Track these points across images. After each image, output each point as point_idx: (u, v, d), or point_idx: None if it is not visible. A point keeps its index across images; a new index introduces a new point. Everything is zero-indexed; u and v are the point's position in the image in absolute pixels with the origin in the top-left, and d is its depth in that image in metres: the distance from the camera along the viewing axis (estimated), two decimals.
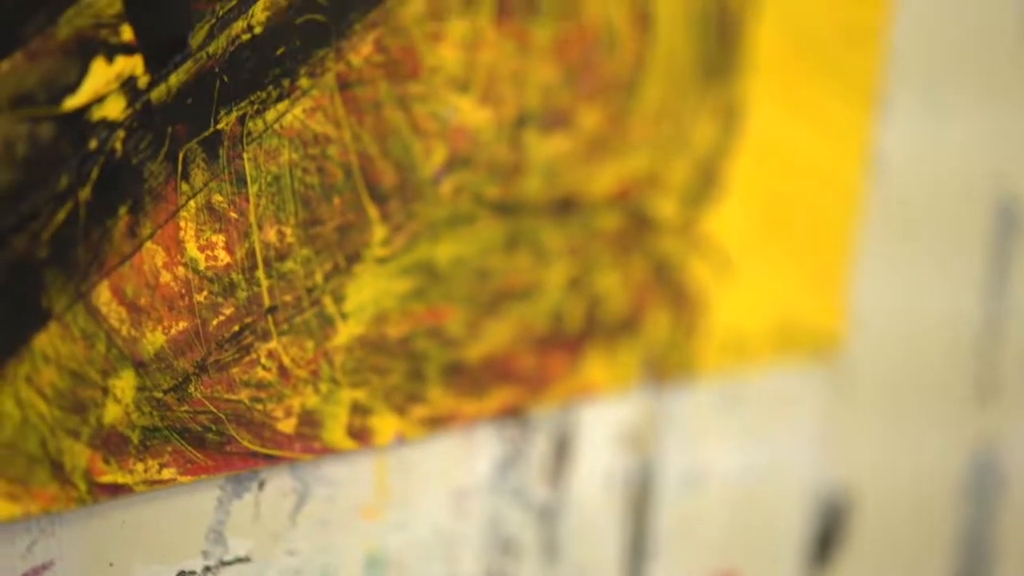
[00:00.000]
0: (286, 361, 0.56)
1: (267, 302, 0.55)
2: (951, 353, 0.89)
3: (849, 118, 0.80)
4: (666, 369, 0.73)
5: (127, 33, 0.48)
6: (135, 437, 0.52)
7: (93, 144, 0.48)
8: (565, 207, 0.66)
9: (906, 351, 0.86)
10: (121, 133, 0.49)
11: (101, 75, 0.48)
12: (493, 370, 0.65)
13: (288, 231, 0.55)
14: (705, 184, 0.72)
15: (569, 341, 0.68)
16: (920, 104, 0.84)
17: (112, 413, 0.51)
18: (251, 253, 0.54)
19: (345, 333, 0.58)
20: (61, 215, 0.48)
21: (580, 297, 0.68)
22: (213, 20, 0.51)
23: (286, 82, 0.54)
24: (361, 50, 0.56)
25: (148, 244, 0.51)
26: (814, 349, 0.80)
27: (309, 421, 0.57)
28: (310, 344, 0.57)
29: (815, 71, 0.77)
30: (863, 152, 0.81)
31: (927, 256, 0.86)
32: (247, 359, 0.55)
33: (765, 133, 0.75)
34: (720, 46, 0.72)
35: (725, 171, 0.73)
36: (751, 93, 0.74)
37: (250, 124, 0.53)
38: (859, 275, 0.82)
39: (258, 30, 0.52)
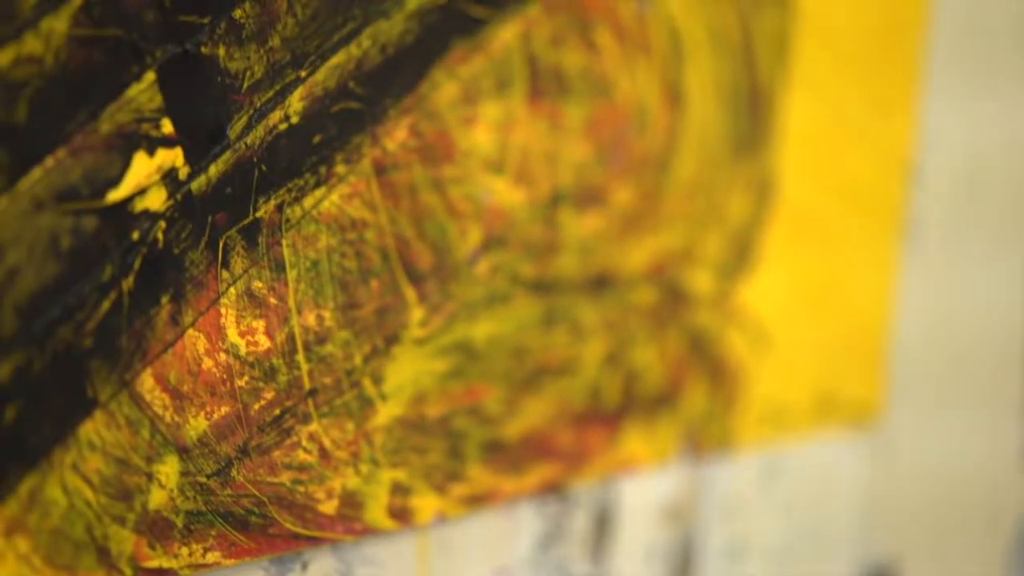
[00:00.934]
0: (327, 443, 0.57)
1: (307, 385, 0.56)
2: (993, 421, 0.89)
3: (882, 186, 0.80)
4: (705, 442, 0.73)
5: (168, 126, 0.49)
6: (179, 522, 0.52)
7: (135, 235, 0.49)
8: (600, 283, 0.67)
9: (946, 418, 0.86)
10: (163, 223, 0.50)
11: (143, 168, 0.49)
12: (532, 447, 0.65)
13: (327, 315, 0.56)
14: (740, 256, 0.73)
15: (607, 416, 0.68)
16: (953, 166, 0.84)
17: (157, 498, 0.52)
18: (291, 337, 0.55)
19: (384, 414, 0.59)
20: (105, 305, 0.49)
21: (617, 372, 0.68)
22: (251, 111, 0.52)
23: (323, 169, 0.55)
24: (396, 135, 0.57)
25: (190, 331, 0.51)
26: (853, 418, 0.80)
27: (350, 502, 0.58)
28: (350, 426, 0.57)
29: (847, 141, 0.78)
30: (898, 220, 0.81)
31: (965, 326, 0.87)
32: (288, 442, 0.55)
33: (799, 204, 0.75)
34: (752, 119, 0.72)
35: (759, 243, 0.74)
36: (784, 165, 0.74)
37: (288, 211, 0.54)
38: (896, 342, 0.83)
39: (295, 119, 0.54)
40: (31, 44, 0.45)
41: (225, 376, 0.53)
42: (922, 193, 0.82)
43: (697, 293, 0.71)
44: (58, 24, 0.46)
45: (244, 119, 0.52)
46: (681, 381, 0.71)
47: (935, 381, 0.85)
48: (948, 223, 0.84)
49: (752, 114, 0.72)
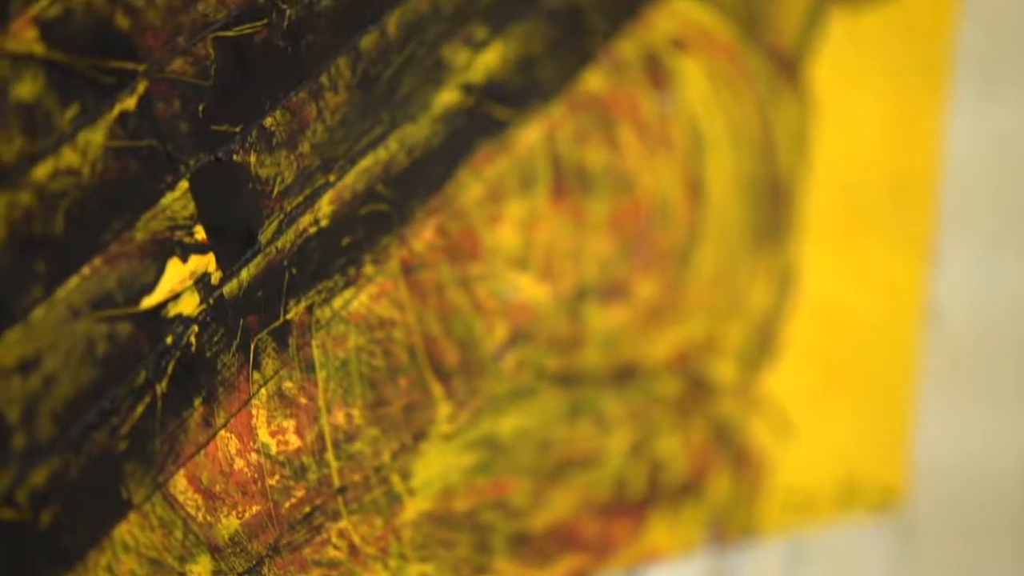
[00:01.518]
0: (356, 539, 0.57)
1: (337, 483, 0.56)
2: (1017, 502, 0.89)
3: (902, 273, 0.81)
4: (730, 530, 0.73)
5: (200, 233, 0.51)
6: None
7: (169, 339, 0.50)
8: (625, 375, 0.67)
9: (970, 502, 0.86)
10: (195, 328, 0.51)
11: (176, 274, 0.50)
12: (558, 538, 0.66)
13: (356, 413, 0.57)
14: (762, 346, 0.74)
15: (633, 506, 0.69)
16: (974, 253, 0.85)
17: None
18: (320, 436, 0.56)
19: (413, 509, 0.59)
20: (139, 409, 0.50)
21: (642, 463, 0.69)
22: (282, 216, 0.53)
23: (352, 270, 0.56)
24: (423, 235, 0.58)
25: (222, 433, 0.52)
26: (877, 504, 0.81)
27: None
28: (379, 522, 0.58)
29: (867, 229, 0.79)
30: (918, 306, 0.82)
31: (987, 406, 0.87)
32: (318, 539, 0.56)
33: (820, 292, 0.76)
34: (772, 210, 0.73)
35: (781, 332, 0.74)
36: (804, 254, 0.75)
37: (318, 312, 0.55)
38: (919, 428, 0.83)
39: (324, 223, 0.55)
40: (69, 157, 0.47)
41: (256, 475, 0.54)
42: (943, 277, 0.83)
43: (720, 382, 0.72)
44: (95, 136, 0.47)
45: (275, 223, 0.53)
46: (705, 470, 0.72)
47: (958, 467, 0.85)
48: (969, 307, 0.85)
49: (773, 206, 0.73)
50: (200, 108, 0.50)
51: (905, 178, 0.80)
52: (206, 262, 0.51)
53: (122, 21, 0.47)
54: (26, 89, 0.45)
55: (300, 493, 0.55)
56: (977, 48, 0.83)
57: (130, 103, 0.48)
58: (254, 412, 0.53)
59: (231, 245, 0.52)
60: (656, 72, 0.67)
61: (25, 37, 0.45)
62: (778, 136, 0.73)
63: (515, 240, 0.62)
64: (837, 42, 0.75)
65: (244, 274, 0.52)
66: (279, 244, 0.53)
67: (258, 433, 0.54)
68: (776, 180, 0.73)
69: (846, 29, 0.76)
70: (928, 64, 0.80)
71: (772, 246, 0.73)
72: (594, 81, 0.64)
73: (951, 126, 0.82)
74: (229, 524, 0.53)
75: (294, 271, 0.54)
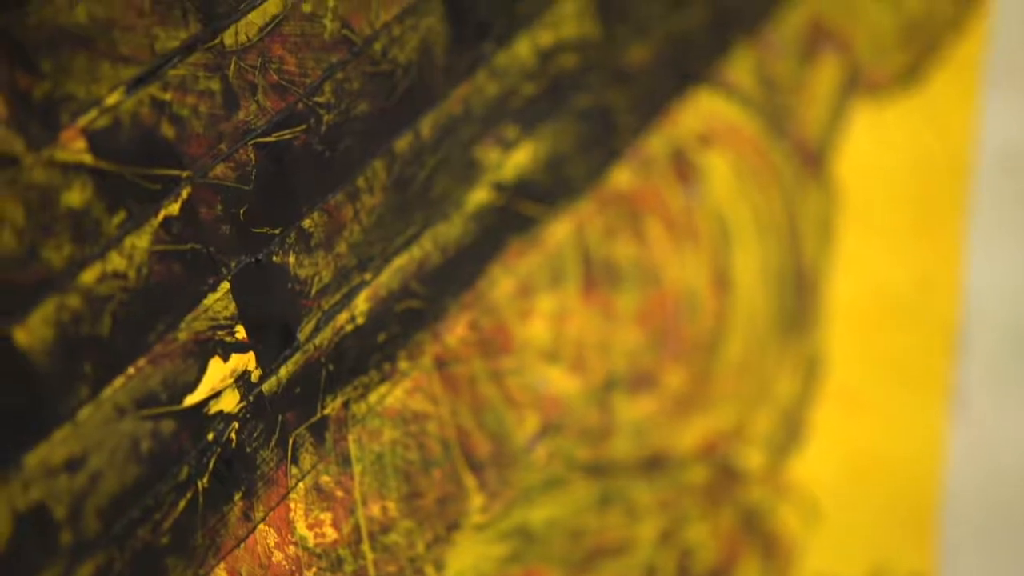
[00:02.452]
0: None
1: (372, 574, 0.58)
2: None
3: (928, 360, 0.82)
4: None
5: (241, 332, 0.52)
6: None
7: (210, 436, 0.52)
8: (654, 464, 0.69)
9: None
10: (236, 424, 0.52)
11: (217, 372, 0.52)
12: None
13: (391, 505, 0.58)
14: (790, 432, 0.75)
15: None
16: (999, 342, 0.86)
17: None
18: (356, 528, 0.57)
19: None
20: (181, 504, 0.51)
21: (672, 550, 0.70)
22: (319, 314, 0.55)
23: (387, 366, 0.57)
24: (456, 331, 0.60)
25: (261, 526, 0.54)
26: None
27: None
28: None
29: (892, 315, 0.80)
30: (944, 388, 0.83)
31: (1016, 488, 0.87)
32: None
33: (846, 379, 0.77)
34: (798, 299, 0.75)
35: (808, 419, 0.75)
36: (830, 341, 0.76)
37: (354, 408, 0.56)
38: (947, 510, 0.84)
39: (360, 320, 0.56)
40: (115, 261, 0.48)
41: (294, 568, 0.55)
42: (967, 360, 0.84)
43: (749, 470, 0.73)
44: (141, 241, 0.49)
45: (313, 322, 0.55)
46: (735, 557, 0.73)
47: (987, 549, 0.86)
48: (994, 386, 0.86)
49: (798, 294, 0.74)
50: (241, 211, 0.52)
51: (930, 266, 0.81)
52: (246, 360, 0.52)
53: (167, 130, 0.49)
54: (75, 197, 0.47)
55: None
56: (1002, 133, 0.84)
57: (174, 208, 0.50)
58: (292, 506, 0.55)
59: (270, 344, 0.53)
60: (683, 167, 0.68)
61: (74, 147, 0.47)
62: (803, 227, 0.74)
63: (546, 333, 0.63)
64: (861, 134, 0.77)
65: (283, 371, 0.54)
66: (317, 342, 0.55)
67: (296, 526, 0.55)
68: (802, 270, 0.74)
69: (870, 121, 0.77)
70: (952, 153, 0.82)
71: (798, 334, 0.75)
72: (622, 177, 0.66)
73: (975, 205, 0.83)
74: None
75: (331, 368, 0.55)
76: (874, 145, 0.77)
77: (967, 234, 0.82)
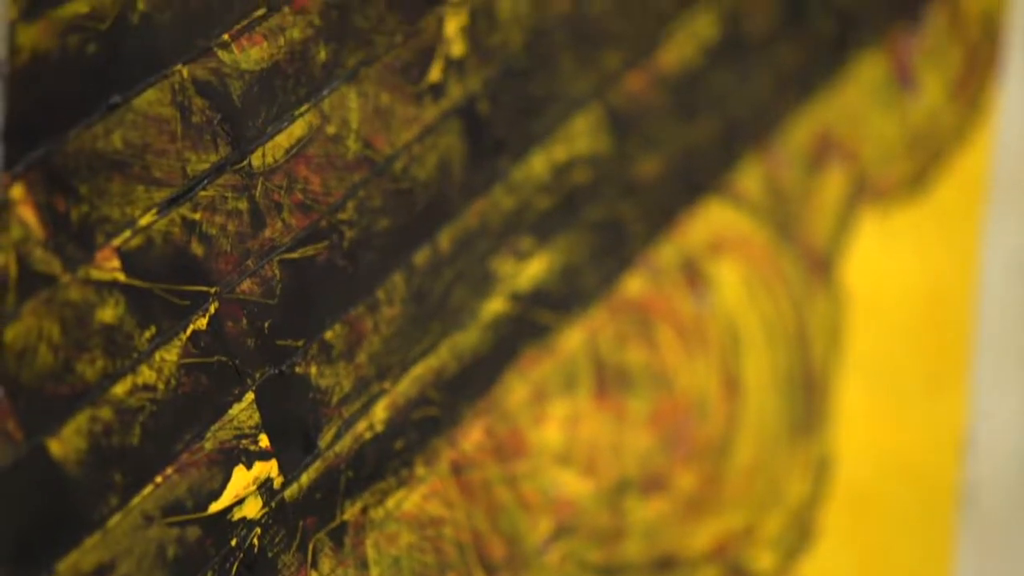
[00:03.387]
0: None
1: None
2: None
3: (936, 459, 0.83)
4: None
5: (264, 441, 0.54)
6: None
7: (234, 542, 0.53)
8: (665, 565, 0.70)
9: None
10: (258, 530, 0.54)
11: (241, 480, 0.53)
12: None
13: None
14: (800, 535, 0.76)
15: None
16: (1007, 440, 0.87)
17: None
18: None
19: None
20: None
21: None
22: (340, 422, 0.57)
23: (404, 472, 0.59)
24: (472, 436, 0.62)
25: None
26: None
27: None
28: None
29: (901, 418, 0.81)
30: (953, 492, 0.84)
31: None
32: None
33: (856, 481, 0.79)
34: (807, 402, 0.76)
35: (818, 520, 0.77)
36: (840, 444, 0.78)
37: (372, 513, 0.58)
38: None
39: (379, 428, 0.58)
40: (146, 374, 0.50)
41: None
42: (976, 466, 0.85)
43: (759, 571, 0.74)
44: (170, 355, 0.51)
45: (333, 430, 0.57)
46: None
47: None
48: (1003, 493, 0.87)
49: (807, 397, 0.76)
50: (266, 325, 0.54)
51: (937, 366, 0.83)
52: (269, 468, 0.54)
53: (197, 248, 0.51)
54: (108, 314, 0.49)
55: None
56: (1009, 233, 0.86)
57: (202, 323, 0.52)
58: None
59: (292, 451, 0.55)
60: (693, 275, 0.70)
61: (108, 266, 0.49)
62: (812, 331, 0.76)
63: (559, 438, 0.65)
64: (869, 238, 0.79)
65: (304, 478, 0.56)
66: (337, 449, 0.57)
67: None
68: (810, 373, 0.76)
69: (877, 228, 0.79)
70: (959, 258, 0.84)
71: (807, 436, 0.76)
72: (634, 285, 0.68)
73: (982, 312, 0.85)
74: None
75: (350, 474, 0.57)
76: (881, 251, 0.79)
77: (975, 335, 0.84)
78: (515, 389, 0.63)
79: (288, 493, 0.55)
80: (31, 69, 0.46)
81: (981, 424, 0.85)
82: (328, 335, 0.56)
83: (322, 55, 0.55)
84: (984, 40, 0.84)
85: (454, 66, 0.59)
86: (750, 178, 0.72)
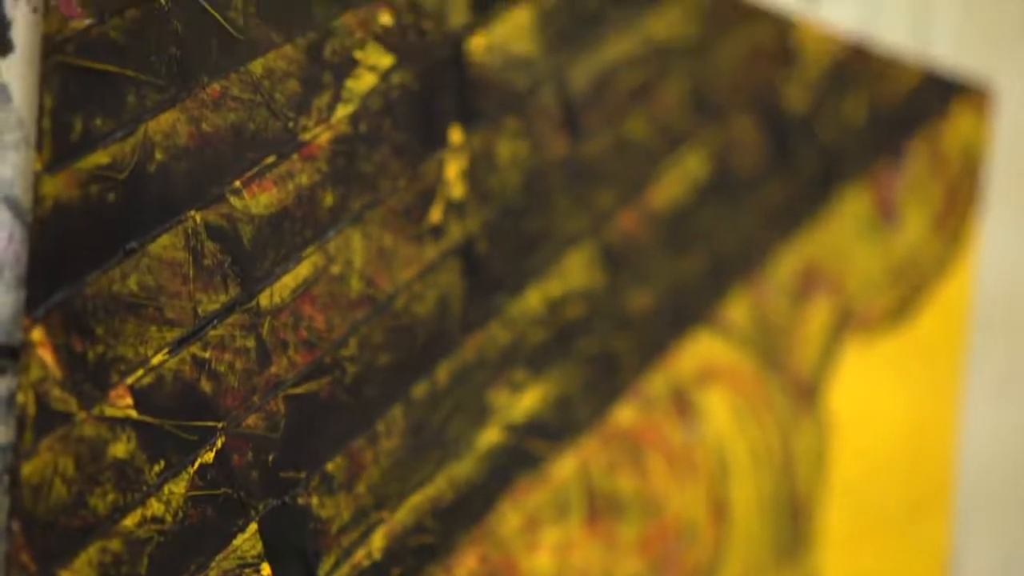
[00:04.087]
0: None
1: None
2: None
3: None
4: None
5: (266, 570, 0.56)
6: None
7: None
8: None
9: None
10: None
11: None
12: None
13: None
14: None
15: None
16: (991, 562, 0.89)
17: None
18: None
19: None
20: None
21: None
22: (339, 551, 0.59)
23: None
24: (466, 563, 0.63)
25: None
26: None
27: None
28: None
29: (884, 543, 0.83)
30: None
31: None
32: None
33: None
34: (793, 527, 0.78)
35: None
36: (824, 568, 0.80)
37: None
38: None
39: (377, 556, 0.60)
40: (155, 507, 0.52)
41: None
42: None
43: None
44: (178, 487, 0.53)
45: (333, 558, 0.58)
46: None
47: None
48: None
49: (793, 522, 0.78)
50: (270, 458, 0.56)
51: (920, 492, 0.85)
52: None
53: (206, 385, 0.54)
54: (120, 449, 0.51)
55: None
56: (991, 361, 0.89)
57: (209, 457, 0.54)
58: None
59: None
60: (682, 404, 0.73)
61: (121, 404, 0.51)
62: (797, 457, 0.78)
63: (551, 564, 0.67)
64: (853, 366, 0.81)
65: None
66: None
67: None
68: (796, 498, 0.78)
69: (861, 356, 0.82)
70: (941, 384, 0.86)
71: (793, 560, 0.78)
72: (625, 414, 0.70)
73: (965, 438, 0.87)
74: None
75: None
76: (865, 379, 0.81)
77: (958, 462, 0.86)
78: (509, 517, 0.65)
79: None
80: (53, 217, 0.49)
81: (964, 547, 0.86)
82: (329, 467, 0.58)
83: (329, 199, 0.57)
84: (964, 176, 0.86)
85: (454, 208, 0.62)
86: (738, 310, 0.75)
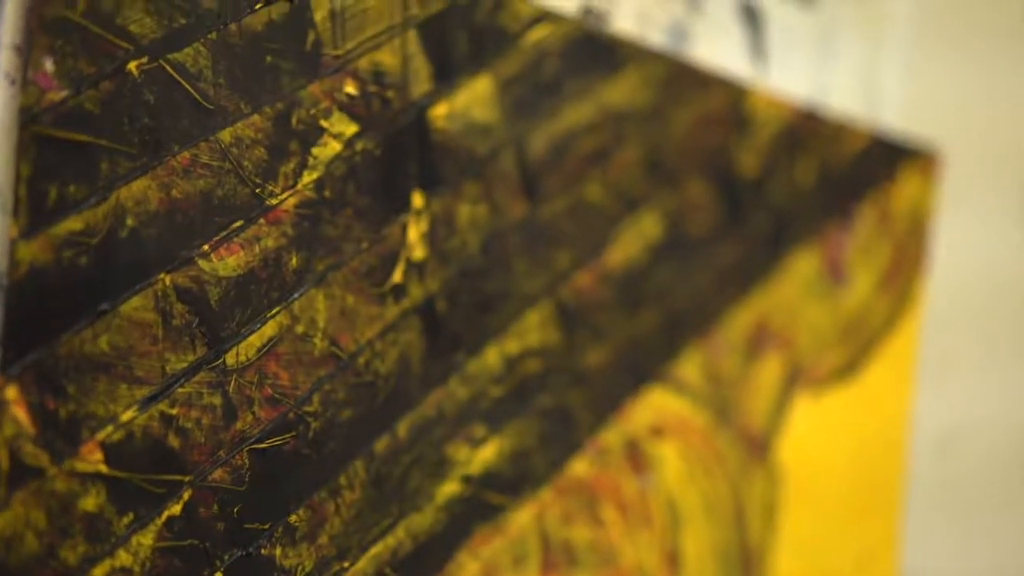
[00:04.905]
0: None
1: None
2: None
3: None
4: None
5: None
6: None
7: None
8: None
9: None
10: None
11: None
12: None
13: None
14: None
15: None
16: None
17: None
18: None
19: None
20: None
21: None
22: None
23: None
24: None
25: None
26: None
27: None
28: None
29: None
30: None
31: None
32: None
33: None
34: None
35: None
36: None
37: None
38: None
39: None
40: (123, 558, 0.54)
41: None
42: None
43: None
44: (145, 539, 0.55)
45: None
46: None
47: None
48: None
49: (745, 572, 0.80)
50: (235, 510, 0.58)
51: (869, 546, 0.88)
52: None
53: (173, 441, 0.56)
54: (90, 502, 0.53)
55: None
56: (935, 419, 0.91)
57: (176, 509, 0.56)
58: None
59: None
60: (636, 457, 0.75)
61: (92, 459, 0.53)
62: (749, 508, 0.81)
63: None
64: (803, 422, 0.84)
65: None
66: None
67: None
68: (747, 549, 0.80)
69: (811, 410, 0.84)
70: (889, 438, 0.89)
71: None
72: (580, 467, 0.72)
73: (911, 489, 0.90)
74: None
75: None
76: (814, 432, 0.84)
77: (904, 515, 0.89)
78: (467, 566, 0.67)
79: None
80: (28, 281, 0.51)
81: None
82: (292, 519, 0.60)
83: (294, 262, 0.60)
84: (911, 236, 0.89)
85: (415, 268, 0.65)
86: (691, 366, 0.77)
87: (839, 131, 0.84)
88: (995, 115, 0.92)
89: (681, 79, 0.75)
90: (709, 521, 0.78)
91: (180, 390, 0.56)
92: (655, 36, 0.74)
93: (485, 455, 0.68)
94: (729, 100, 0.78)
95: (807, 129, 0.82)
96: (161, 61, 0.55)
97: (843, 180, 0.85)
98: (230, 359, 0.58)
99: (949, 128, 0.88)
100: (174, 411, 0.56)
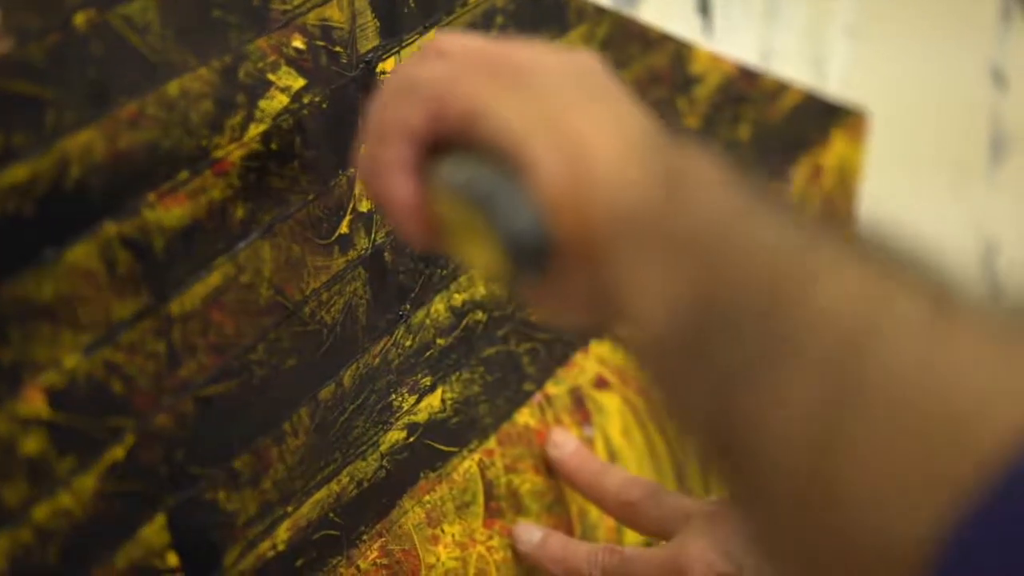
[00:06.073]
0: None
1: None
2: None
3: None
4: None
5: (173, 559, 0.59)
6: None
7: None
8: None
9: None
10: None
11: None
12: None
13: None
14: None
15: None
16: None
17: None
18: None
19: None
20: None
21: None
22: (244, 543, 0.62)
23: None
24: (368, 555, 0.67)
25: None
26: None
27: None
28: None
29: None
30: None
31: None
32: None
33: None
34: None
35: None
36: None
37: None
38: None
39: (281, 547, 0.64)
40: (64, 500, 0.56)
41: None
42: None
43: None
44: (87, 482, 0.56)
45: (238, 549, 0.62)
46: None
47: None
48: None
49: None
50: (179, 455, 0.59)
51: None
52: None
53: (117, 386, 0.57)
54: (32, 446, 0.54)
55: None
56: None
57: (119, 453, 0.57)
58: None
59: (198, 570, 0.60)
60: (580, 407, 0.77)
61: (34, 403, 0.54)
62: (684, 457, 0.82)
63: (451, 557, 0.71)
64: None
65: None
66: (241, 567, 0.62)
67: None
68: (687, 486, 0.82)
69: None
70: None
71: None
72: (525, 416, 0.74)
73: None
74: None
75: None
76: None
77: None
78: (411, 512, 0.69)
79: None
80: None
81: None
82: (236, 464, 0.62)
83: (240, 212, 0.61)
84: (840, 191, 0.91)
85: (361, 220, 0.66)
86: None
87: (776, 91, 0.85)
88: (930, 79, 0.94)
89: (627, 38, 0.76)
90: (650, 472, 0.80)
91: (124, 337, 0.57)
92: None
93: (430, 403, 0.70)
94: (673, 59, 0.79)
95: (745, 88, 0.83)
96: (108, 14, 0.55)
97: (779, 139, 0.86)
98: (175, 308, 0.59)
99: (890, 92, 0.90)
100: (118, 357, 0.57)
